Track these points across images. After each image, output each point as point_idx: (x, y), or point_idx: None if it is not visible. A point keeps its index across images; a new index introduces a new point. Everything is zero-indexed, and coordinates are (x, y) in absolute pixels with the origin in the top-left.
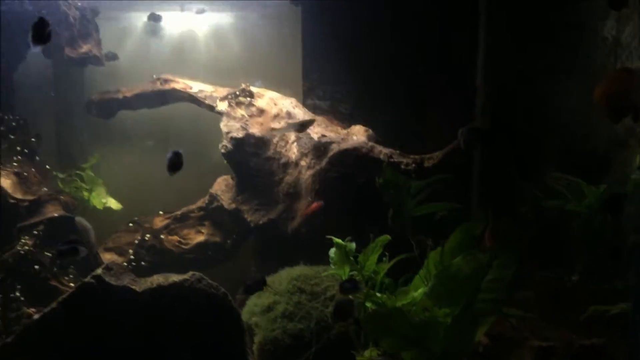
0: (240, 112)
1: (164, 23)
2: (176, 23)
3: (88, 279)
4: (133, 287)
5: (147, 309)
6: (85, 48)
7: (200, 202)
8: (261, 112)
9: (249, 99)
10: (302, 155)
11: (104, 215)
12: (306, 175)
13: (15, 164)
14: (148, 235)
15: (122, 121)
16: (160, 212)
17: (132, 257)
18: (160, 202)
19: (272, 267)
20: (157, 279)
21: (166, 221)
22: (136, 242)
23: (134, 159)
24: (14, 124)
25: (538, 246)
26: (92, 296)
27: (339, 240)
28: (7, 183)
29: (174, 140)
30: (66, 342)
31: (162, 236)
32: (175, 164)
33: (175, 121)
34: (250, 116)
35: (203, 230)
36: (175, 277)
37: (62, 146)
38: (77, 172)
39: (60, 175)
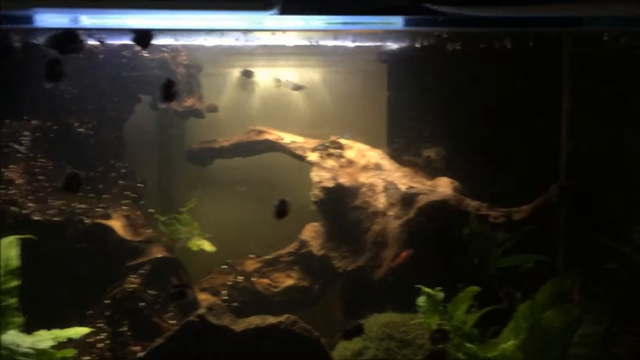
0: (331, 162)
1: (259, 78)
2: (269, 78)
3: (192, 317)
4: (232, 327)
5: (244, 349)
6: (189, 102)
7: (290, 248)
8: (350, 163)
9: (338, 150)
10: (390, 205)
11: (198, 257)
12: (394, 225)
13: (125, 207)
14: (240, 278)
15: (217, 169)
16: (251, 256)
17: (225, 297)
18: (250, 246)
19: (357, 312)
20: (255, 320)
21: (258, 264)
22: (229, 283)
23: (226, 204)
24: (123, 170)
25: (628, 301)
26: (194, 334)
27: (429, 290)
28: (117, 225)
29: (264, 187)
30: None
31: (253, 279)
32: (282, 211)
33: (265, 169)
34: (340, 167)
35: (292, 275)
36: (271, 319)
37: (163, 191)
38: (176, 215)
39: (161, 219)
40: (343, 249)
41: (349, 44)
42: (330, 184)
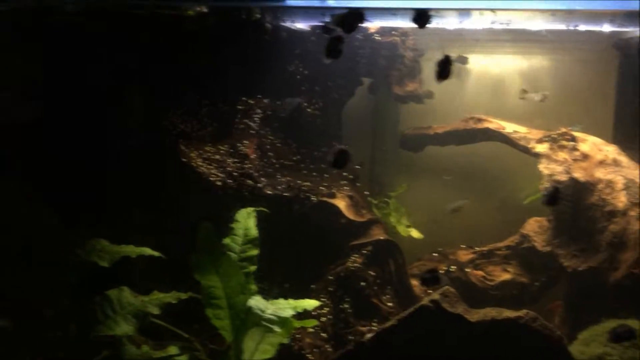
0: (563, 155)
1: (474, 65)
2: (487, 65)
3: (426, 302)
4: (466, 316)
5: (479, 340)
6: (411, 87)
7: (509, 241)
8: (585, 156)
9: (571, 142)
10: (632, 204)
11: (405, 242)
12: (636, 226)
13: (346, 188)
14: (453, 267)
15: (427, 155)
16: (462, 246)
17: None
18: (455, 236)
19: (584, 315)
20: (491, 312)
21: (471, 255)
22: (441, 271)
23: (435, 191)
24: None
25: None
26: (427, 319)
27: None
28: (342, 204)
29: (474, 177)
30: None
31: (467, 269)
32: (554, 198)
33: (474, 159)
34: (574, 160)
35: (509, 269)
36: (508, 313)
37: (374, 174)
38: (386, 199)
39: (374, 202)
40: (573, 247)
41: (593, 28)
42: (563, 178)
